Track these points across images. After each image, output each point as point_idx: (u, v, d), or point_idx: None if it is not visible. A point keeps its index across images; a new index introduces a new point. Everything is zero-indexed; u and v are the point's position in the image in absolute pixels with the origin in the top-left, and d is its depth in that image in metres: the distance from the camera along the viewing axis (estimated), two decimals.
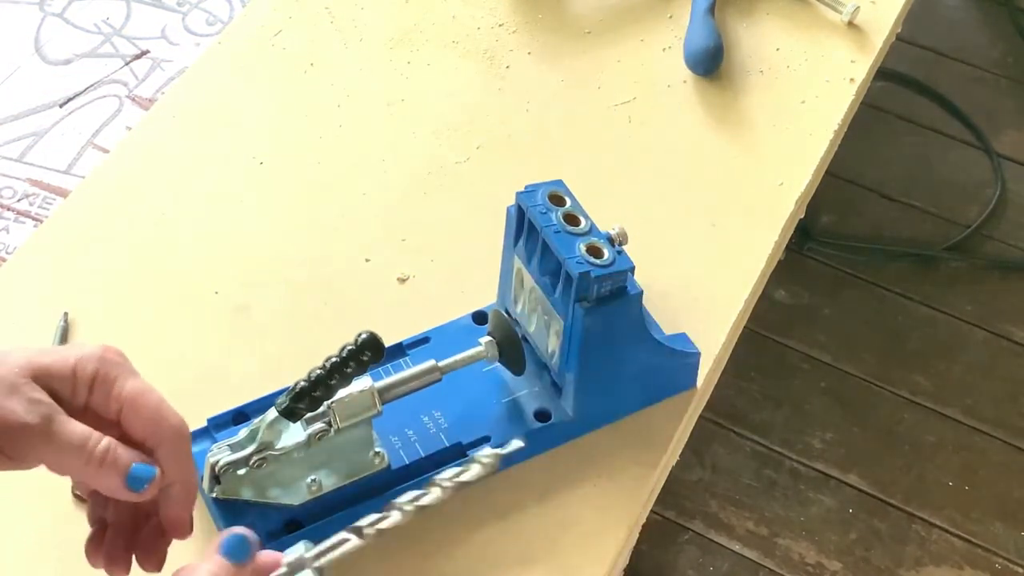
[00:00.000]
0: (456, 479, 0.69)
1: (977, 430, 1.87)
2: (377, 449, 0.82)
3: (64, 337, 0.94)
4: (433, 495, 0.68)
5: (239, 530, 0.65)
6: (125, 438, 0.69)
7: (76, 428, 0.67)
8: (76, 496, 0.83)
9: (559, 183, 0.85)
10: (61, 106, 2.12)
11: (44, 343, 0.93)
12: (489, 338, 0.86)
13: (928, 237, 2.07)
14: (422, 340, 0.90)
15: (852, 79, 1.11)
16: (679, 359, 0.90)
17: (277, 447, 0.79)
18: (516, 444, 0.73)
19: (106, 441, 0.67)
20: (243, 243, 1.00)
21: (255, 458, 0.79)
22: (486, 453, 0.70)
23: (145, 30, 2.24)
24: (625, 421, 0.90)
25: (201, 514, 0.79)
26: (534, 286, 0.85)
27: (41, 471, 0.69)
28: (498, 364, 0.87)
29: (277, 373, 0.88)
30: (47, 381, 0.67)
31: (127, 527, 0.72)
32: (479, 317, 0.92)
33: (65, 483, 0.80)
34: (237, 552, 0.64)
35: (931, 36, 2.31)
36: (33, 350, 0.68)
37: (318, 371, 0.76)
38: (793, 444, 1.85)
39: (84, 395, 0.68)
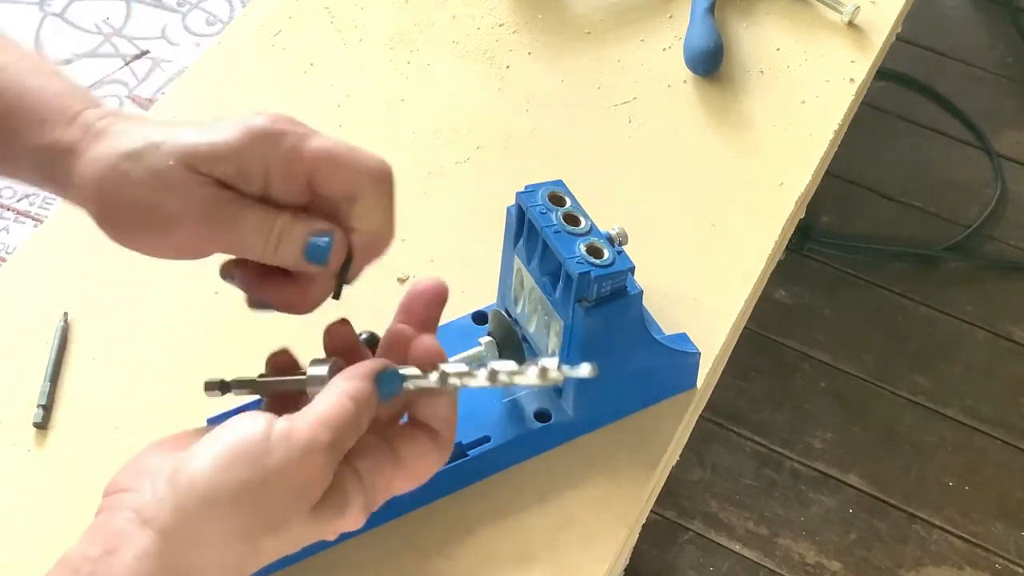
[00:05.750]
0: (512, 374, 0.61)
1: (977, 430, 1.87)
2: None
3: (64, 337, 0.94)
4: (480, 379, 0.61)
5: (389, 363, 0.61)
6: (316, 205, 0.62)
7: (243, 216, 0.61)
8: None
9: (559, 183, 0.85)
10: None
11: (44, 343, 0.93)
12: (489, 338, 0.86)
13: (928, 237, 2.07)
14: None
15: (852, 79, 1.11)
16: (679, 359, 0.90)
17: None
18: (586, 368, 0.60)
19: (279, 223, 0.61)
20: None
21: None
22: (549, 363, 0.60)
23: (145, 30, 2.24)
24: (625, 421, 0.90)
25: None
26: (534, 286, 0.85)
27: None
28: None
29: None
30: (209, 168, 0.60)
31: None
32: (479, 317, 0.92)
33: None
34: (390, 385, 0.60)
35: (931, 36, 2.31)
36: (189, 132, 0.60)
37: None
38: (793, 444, 1.85)
39: (259, 181, 0.61)
